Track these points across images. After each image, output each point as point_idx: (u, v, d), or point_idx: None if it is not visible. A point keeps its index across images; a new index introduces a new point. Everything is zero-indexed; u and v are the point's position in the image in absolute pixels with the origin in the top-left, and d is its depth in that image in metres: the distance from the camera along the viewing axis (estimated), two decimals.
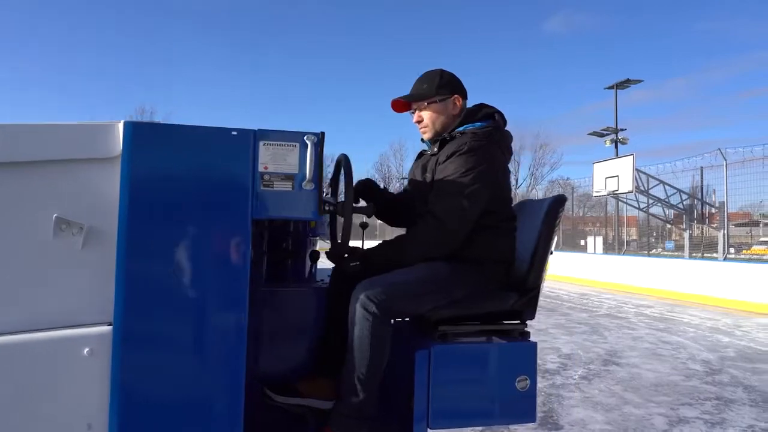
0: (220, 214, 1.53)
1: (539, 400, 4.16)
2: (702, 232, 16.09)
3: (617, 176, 15.06)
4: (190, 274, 1.52)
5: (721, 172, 12.57)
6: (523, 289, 1.77)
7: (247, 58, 75.26)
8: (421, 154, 2.07)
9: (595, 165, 16.62)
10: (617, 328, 7.82)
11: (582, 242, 21.57)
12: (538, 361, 5.44)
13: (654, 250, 21.21)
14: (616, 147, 22.08)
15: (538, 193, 23.99)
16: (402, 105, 2.02)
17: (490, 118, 1.92)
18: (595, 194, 16.88)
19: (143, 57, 65.36)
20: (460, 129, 1.89)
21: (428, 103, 1.95)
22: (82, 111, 54.87)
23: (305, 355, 1.89)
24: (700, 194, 15.13)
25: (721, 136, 66.88)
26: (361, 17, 78.03)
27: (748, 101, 75.05)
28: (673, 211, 16.30)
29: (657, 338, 7.03)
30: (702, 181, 14.41)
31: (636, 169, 14.78)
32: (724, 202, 13.15)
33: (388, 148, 67.34)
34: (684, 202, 15.38)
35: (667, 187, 15.44)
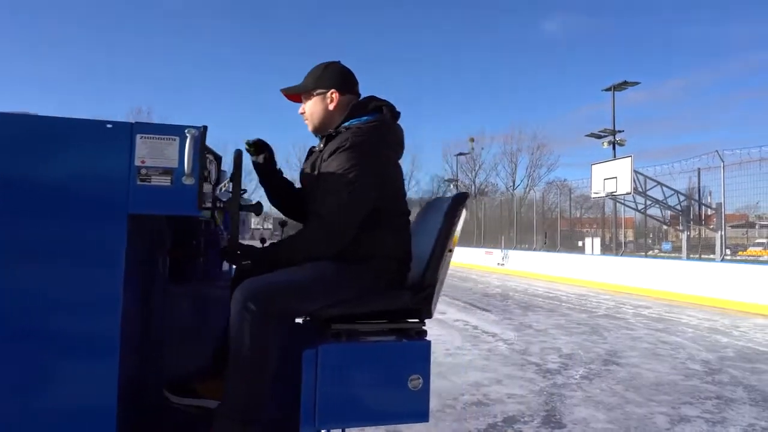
0: (93, 209, 1.46)
1: (540, 399, 4.20)
2: (699, 234, 16.16)
3: (615, 177, 15.12)
4: (56, 273, 1.46)
5: (719, 173, 12.64)
6: (419, 287, 1.72)
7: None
8: (311, 151, 2.02)
9: (593, 166, 16.69)
10: (616, 328, 7.86)
11: (580, 243, 21.63)
12: (539, 361, 5.61)
13: (651, 252, 21.27)
14: (614, 149, 22.18)
15: (536, 195, 24.02)
16: (293, 97, 2.00)
17: (378, 112, 1.88)
18: (593, 195, 16.94)
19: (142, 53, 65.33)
20: (346, 124, 1.84)
21: (306, 97, 1.94)
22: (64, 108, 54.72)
23: (208, 354, 1.83)
24: (697, 196, 15.20)
25: (718, 137, 67.11)
26: (363, 15, 78.05)
27: (745, 103, 75.35)
28: (670, 212, 16.37)
29: (656, 338, 7.07)
30: (699, 183, 14.48)
31: (634, 171, 14.84)
32: (721, 203, 13.22)
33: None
34: (681, 204, 15.46)
35: (664, 188, 15.52)
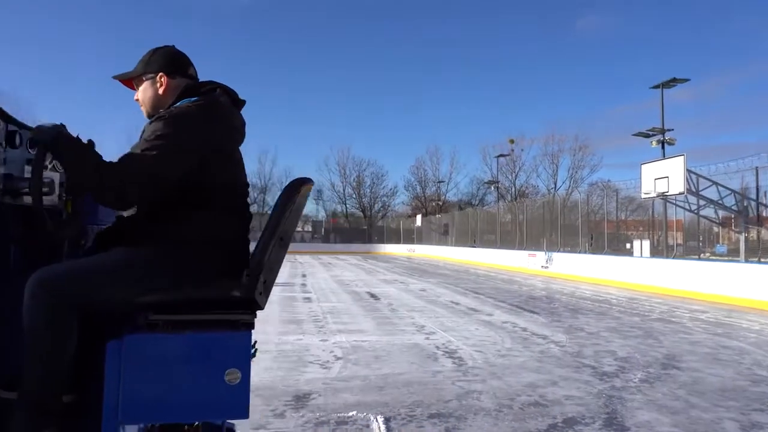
0: None
1: (600, 402, 4.10)
2: (758, 235, 15.44)
3: (667, 177, 14.61)
4: None
5: None
6: (250, 277, 1.57)
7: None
8: None
9: (643, 166, 16.17)
10: (672, 332, 7.59)
11: (627, 246, 21.00)
12: (594, 364, 5.49)
13: (702, 254, 20.46)
14: (663, 148, 21.42)
15: (580, 196, 23.48)
16: (128, 83, 1.91)
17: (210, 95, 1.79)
18: (643, 196, 16.42)
19: None
20: (175, 106, 1.74)
21: (137, 82, 1.87)
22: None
23: None
24: (754, 195, 14.54)
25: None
26: (398, 18, 78.22)
27: None
28: (722, 213, 15.70)
29: (716, 343, 6.79)
30: (757, 182, 13.84)
31: (687, 170, 14.31)
32: None
33: (425, 152, 67.04)
34: (738, 204, 14.80)
35: (720, 188, 14.90)
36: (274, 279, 1.66)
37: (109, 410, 1.38)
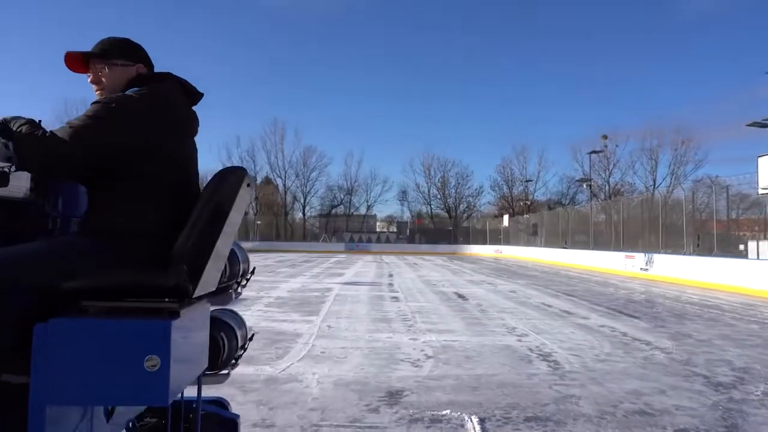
0: None
1: (716, 414, 3.77)
2: None
3: None
4: None
5: None
6: (173, 265, 1.56)
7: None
8: None
9: (760, 159, 14.70)
10: None
11: (741, 247, 19.17)
12: (706, 373, 5.07)
13: None
14: None
15: (684, 194, 21.77)
16: (78, 64, 1.83)
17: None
18: (761, 192, 14.93)
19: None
20: (120, 93, 1.73)
21: (110, 66, 1.81)
22: None
23: None
24: None
25: None
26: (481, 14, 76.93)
27: None
28: None
29: None
30: None
31: None
32: None
33: (511, 150, 65.24)
34: None
35: None
36: (203, 267, 1.63)
37: (35, 391, 1.42)
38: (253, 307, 9.07)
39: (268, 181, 57.40)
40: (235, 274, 2.25)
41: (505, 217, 46.68)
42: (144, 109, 1.68)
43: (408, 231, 55.54)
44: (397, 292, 12.49)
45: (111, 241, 1.61)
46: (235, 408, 3.75)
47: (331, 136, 79.81)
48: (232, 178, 1.73)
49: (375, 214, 61.45)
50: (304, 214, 58.03)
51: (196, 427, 2.11)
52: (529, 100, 74.49)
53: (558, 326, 7.71)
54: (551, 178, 79.76)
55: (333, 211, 58.52)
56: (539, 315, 8.92)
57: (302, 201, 57.40)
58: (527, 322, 8.02)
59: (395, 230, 58.32)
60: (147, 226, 1.67)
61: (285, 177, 56.41)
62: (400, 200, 59.80)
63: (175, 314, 1.50)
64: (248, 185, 1.81)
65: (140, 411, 2.09)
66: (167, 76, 1.87)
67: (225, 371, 2.33)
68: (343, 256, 36.12)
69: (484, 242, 47.21)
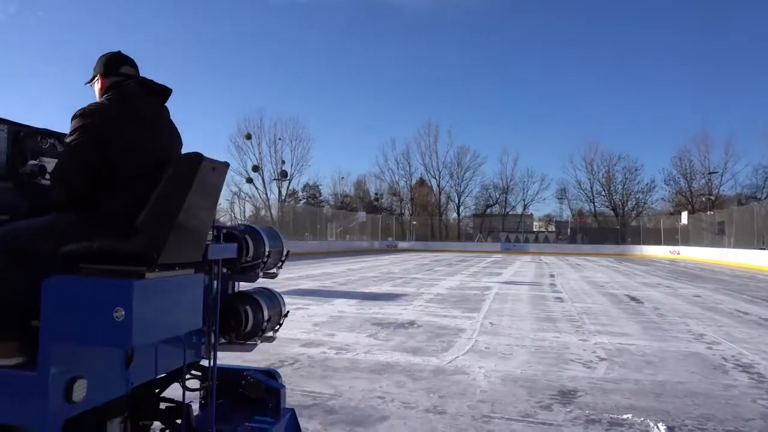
0: None
1: None
2: None
3: None
4: None
5: None
6: (139, 236, 1.91)
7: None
8: None
9: None
10: None
11: None
12: None
13: None
14: None
15: None
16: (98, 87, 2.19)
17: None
18: None
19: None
20: (89, 104, 2.00)
21: (93, 84, 2.18)
22: None
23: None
24: None
25: None
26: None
27: None
28: None
29: None
30: None
31: None
32: None
33: (690, 140, 57.59)
34: None
35: None
36: (165, 238, 1.90)
37: (43, 333, 1.77)
38: (414, 303, 9.35)
39: (422, 182, 58.66)
40: (261, 254, 2.51)
41: (683, 215, 41.66)
42: (109, 110, 1.99)
43: (568, 230, 52.57)
44: (561, 292, 11.90)
45: (93, 219, 1.98)
46: (405, 394, 3.94)
47: (486, 135, 78.62)
48: (186, 164, 2.00)
49: (532, 214, 59.26)
50: (458, 213, 58.23)
51: (212, 391, 2.40)
52: (712, 83, 65.65)
53: (759, 335, 6.69)
54: (742, 169, 69.06)
55: (488, 210, 57.74)
56: (733, 322, 7.82)
57: (456, 201, 57.63)
58: (718, 329, 7.09)
59: (554, 230, 55.56)
60: (118, 207, 1.98)
61: (439, 177, 57.11)
62: (558, 198, 56.76)
63: (141, 276, 1.84)
64: (213, 169, 2.07)
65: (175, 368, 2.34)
66: (130, 78, 2.14)
67: (252, 341, 2.61)
68: (500, 256, 35.41)
69: (657, 242, 42.71)
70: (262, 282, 2.67)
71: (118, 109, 1.99)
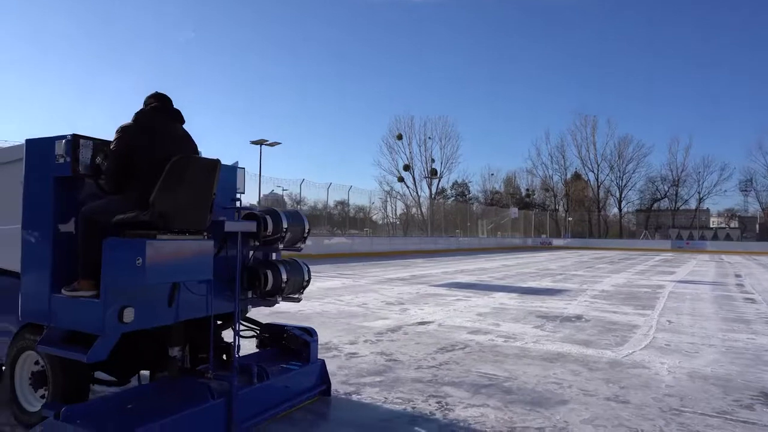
0: None
1: None
2: None
3: None
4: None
5: None
6: (148, 210, 2.61)
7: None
8: None
9: None
10: None
11: None
12: None
13: None
14: None
15: None
16: None
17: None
18: None
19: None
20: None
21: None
22: None
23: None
24: None
25: None
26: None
27: None
28: None
29: None
30: None
31: None
32: None
33: None
34: None
35: None
36: (169, 211, 2.63)
37: (104, 274, 2.56)
38: (578, 298, 9.00)
39: (578, 176, 55.33)
40: (279, 230, 3.27)
41: None
42: (128, 127, 2.82)
43: (756, 227, 45.71)
44: (752, 293, 10.52)
45: (126, 200, 2.73)
46: (582, 382, 3.91)
47: (651, 123, 71.47)
48: (180, 161, 2.68)
49: (708, 208, 52.56)
50: (620, 209, 53.73)
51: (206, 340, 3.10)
52: None
53: None
54: None
55: (655, 205, 52.51)
56: None
57: (618, 195, 53.28)
58: None
59: (737, 226, 48.65)
60: (138, 191, 2.71)
61: (597, 171, 53.36)
62: (743, 190, 49.51)
63: (154, 237, 2.58)
64: (203, 165, 2.82)
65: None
66: (148, 101, 2.97)
67: (272, 298, 3.33)
68: (670, 254, 32.08)
69: None
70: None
71: (136, 127, 2.84)
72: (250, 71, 72.78)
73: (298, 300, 3.46)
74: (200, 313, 2.98)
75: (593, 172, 53.51)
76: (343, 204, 32.00)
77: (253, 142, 21.82)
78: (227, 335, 3.37)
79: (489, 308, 7.64)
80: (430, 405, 3.34)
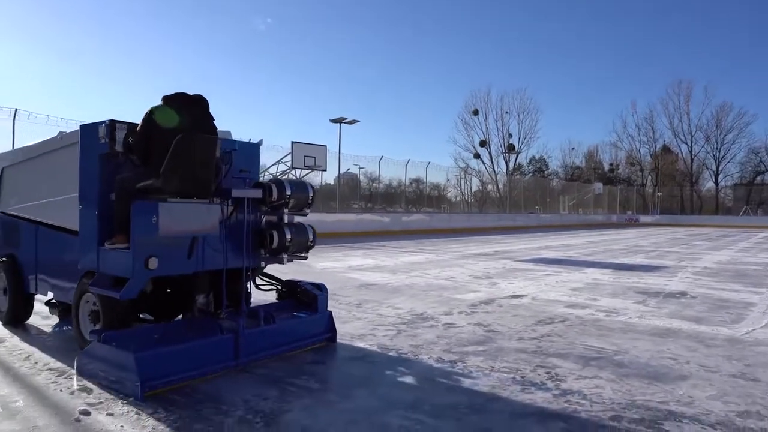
0: None
1: None
2: None
3: None
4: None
5: None
6: (160, 178, 3.20)
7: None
8: None
9: None
10: None
11: None
12: None
13: None
14: None
15: None
16: None
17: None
18: None
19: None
20: None
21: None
22: None
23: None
24: None
25: None
26: None
27: None
28: None
29: None
30: None
31: None
32: None
33: None
34: None
35: None
36: (174, 179, 3.17)
37: (133, 229, 3.11)
38: (679, 275, 8.47)
39: (667, 148, 51.74)
40: (283, 197, 3.70)
41: None
42: (147, 121, 3.30)
43: None
44: None
45: (147, 172, 3.26)
46: (701, 358, 3.68)
47: (755, 88, 65.09)
48: (184, 138, 3.16)
49: None
50: (716, 183, 49.74)
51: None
52: None
53: None
54: None
55: (758, 179, 48.19)
56: None
57: (714, 168, 49.35)
58: None
59: None
60: (154, 163, 3.21)
61: (691, 142, 49.49)
62: None
63: (164, 200, 3.15)
64: (204, 142, 3.30)
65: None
66: (168, 97, 3.42)
67: (281, 256, 3.79)
68: None
69: None
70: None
71: (149, 116, 3.30)
72: (331, 50, 73.55)
73: (304, 258, 3.96)
74: (216, 266, 3.54)
75: (686, 143, 49.78)
76: (418, 182, 31.96)
77: (333, 121, 22.13)
78: (254, 290, 4.04)
79: (582, 283, 7.36)
80: (539, 375, 3.27)
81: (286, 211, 3.86)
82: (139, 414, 2.57)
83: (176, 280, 3.67)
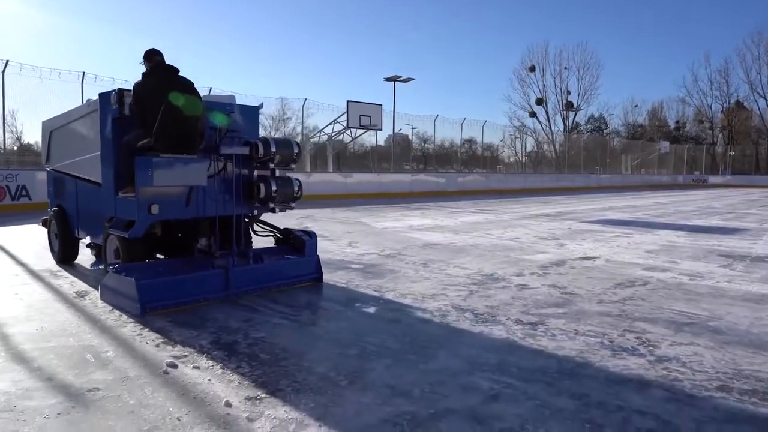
0: None
1: None
2: None
3: None
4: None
5: None
6: (152, 136, 3.74)
7: None
8: None
9: None
10: None
11: None
12: None
13: None
14: None
15: None
16: None
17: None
18: None
19: None
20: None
21: (143, 64, 4.07)
22: None
23: None
24: None
25: None
26: None
27: None
28: None
29: None
30: None
31: None
32: None
33: None
34: None
35: None
36: (164, 137, 3.71)
37: (137, 180, 3.70)
38: (765, 237, 7.89)
39: (740, 104, 48.08)
40: (269, 153, 4.20)
41: None
42: (141, 82, 3.86)
43: None
44: None
45: (143, 132, 3.76)
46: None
47: None
48: (170, 102, 3.68)
49: None
50: None
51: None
52: None
53: None
54: None
55: None
56: None
57: None
58: None
59: None
60: (148, 124, 3.73)
61: None
62: None
63: (158, 155, 3.65)
64: (189, 105, 3.80)
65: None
66: (151, 62, 3.97)
67: (272, 206, 4.33)
68: None
69: None
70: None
71: (146, 79, 3.88)
72: (384, 9, 71.79)
73: (292, 208, 4.48)
74: (211, 213, 4.12)
75: (764, 98, 46.10)
76: (471, 142, 31.20)
77: (387, 79, 21.72)
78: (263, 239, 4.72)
79: (657, 245, 6.96)
80: (629, 340, 3.08)
81: (271, 166, 4.38)
82: (224, 369, 2.58)
83: (183, 226, 4.33)
